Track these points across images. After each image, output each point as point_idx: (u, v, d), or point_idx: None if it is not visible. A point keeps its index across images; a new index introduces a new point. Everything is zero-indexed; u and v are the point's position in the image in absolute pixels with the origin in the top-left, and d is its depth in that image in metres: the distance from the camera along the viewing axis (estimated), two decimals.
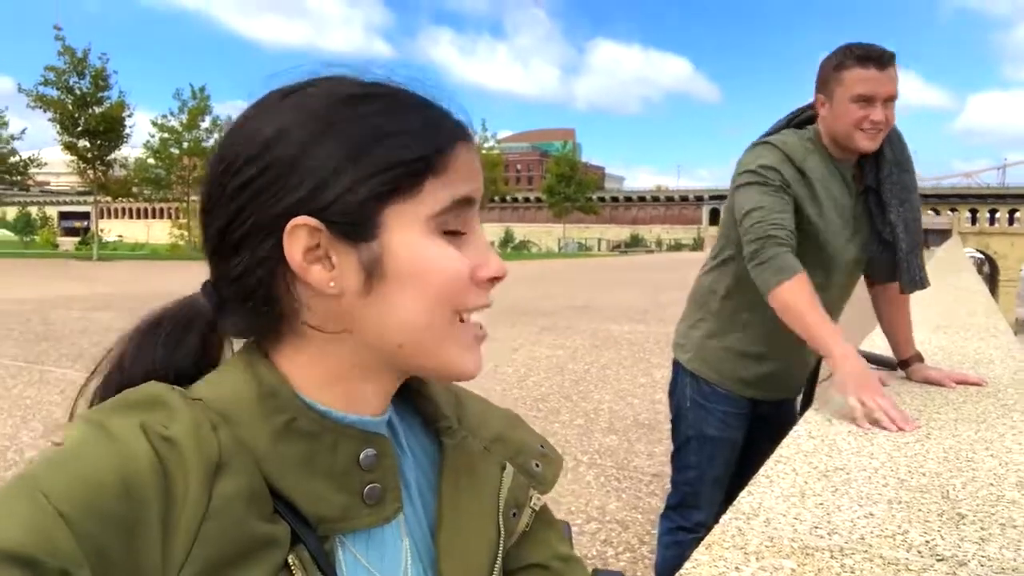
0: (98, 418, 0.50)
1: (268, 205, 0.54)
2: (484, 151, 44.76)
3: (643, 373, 6.71)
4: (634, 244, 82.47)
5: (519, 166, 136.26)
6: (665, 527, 2.20)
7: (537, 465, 0.73)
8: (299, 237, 0.54)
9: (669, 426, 2.21)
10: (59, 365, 6.45)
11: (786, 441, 1.56)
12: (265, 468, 0.53)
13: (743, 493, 1.23)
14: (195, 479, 0.48)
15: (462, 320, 0.59)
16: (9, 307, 10.29)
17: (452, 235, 0.58)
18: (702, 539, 2.04)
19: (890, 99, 1.81)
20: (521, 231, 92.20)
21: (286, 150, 0.54)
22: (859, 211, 1.96)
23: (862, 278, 2.14)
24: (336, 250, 0.55)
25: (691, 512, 2.10)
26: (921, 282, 1.97)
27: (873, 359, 2.25)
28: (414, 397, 0.70)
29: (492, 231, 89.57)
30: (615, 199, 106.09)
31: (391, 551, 0.60)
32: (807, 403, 2.34)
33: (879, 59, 1.79)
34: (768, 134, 2.02)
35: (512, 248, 79.64)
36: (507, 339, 8.39)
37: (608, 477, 3.92)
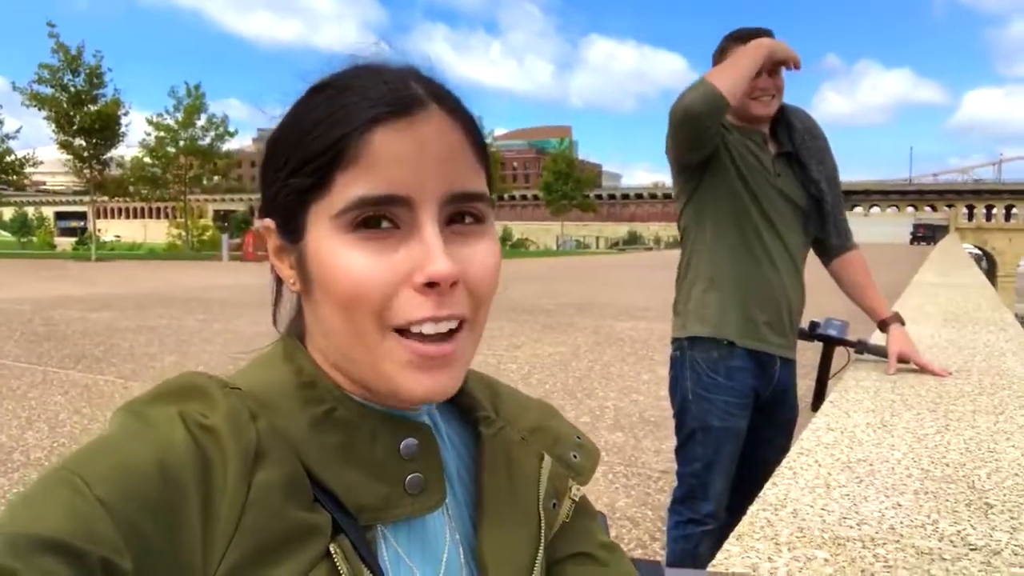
0: (137, 408, 0.50)
1: (261, 205, 0.58)
2: None
3: (647, 370, 6.71)
4: (632, 242, 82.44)
5: (516, 164, 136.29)
6: (674, 520, 2.20)
7: (575, 456, 0.72)
8: (270, 236, 0.57)
9: (674, 422, 2.21)
10: (62, 366, 6.43)
11: (805, 434, 1.56)
12: (304, 457, 0.52)
13: (768, 485, 1.23)
14: (234, 468, 0.48)
15: (401, 333, 0.52)
16: (9, 307, 10.27)
17: (381, 232, 0.51)
18: (712, 530, 2.06)
19: (775, 68, 2.02)
20: (519, 229, 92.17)
21: (266, 153, 0.57)
22: (782, 168, 2.13)
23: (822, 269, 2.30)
24: (285, 250, 0.57)
25: (700, 504, 2.11)
26: (847, 234, 2.21)
27: (874, 350, 2.27)
28: None
29: None
30: (612, 196, 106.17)
31: (432, 542, 0.59)
32: (819, 398, 2.35)
33: (756, 35, 2.03)
34: None
35: (510, 246, 79.66)
36: (509, 336, 8.39)
37: (616, 474, 3.92)
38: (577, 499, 0.70)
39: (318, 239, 0.53)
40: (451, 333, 0.53)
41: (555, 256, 43.44)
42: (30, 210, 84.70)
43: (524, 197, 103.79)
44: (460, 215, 0.54)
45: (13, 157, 29.86)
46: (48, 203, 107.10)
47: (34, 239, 57.29)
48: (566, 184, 55.12)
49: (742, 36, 2.06)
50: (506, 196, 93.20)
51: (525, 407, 0.73)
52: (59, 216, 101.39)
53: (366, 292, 0.51)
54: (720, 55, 2.10)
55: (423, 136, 0.52)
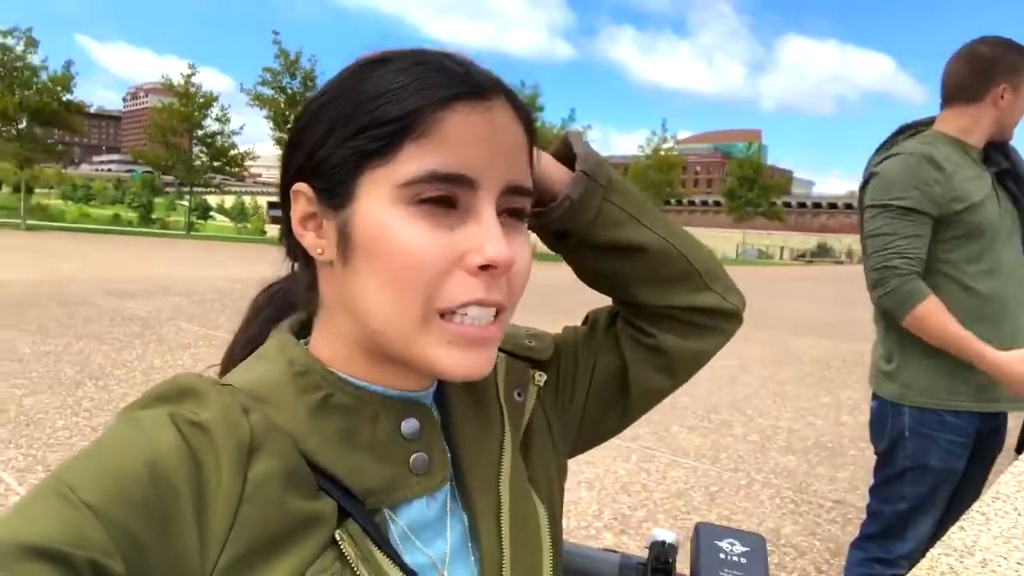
0: (128, 413, 0.51)
1: (287, 170, 0.57)
2: (662, 152, 43.87)
3: (826, 392, 6.28)
4: (821, 254, 77.36)
5: (698, 168, 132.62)
6: (858, 557, 2.04)
7: (530, 342, 0.73)
8: (299, 202, 0.56)
9: (854, 451, 2.05)
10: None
11: (1005, 477, 1.40)
12: (305, 446, 0.52)
13: (954, 528, 1.12)
14: (227, 463, 0.48)
15: (443, 317, 0.52)
16: (225, 285, 11.51)
17: (439, 209, 0.51)
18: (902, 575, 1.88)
19: None
20: (695, 236, 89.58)
21: (304, 118, 0.56)
22: (998, 190, 1.96)
23: None
24: (325, 216, 0.55)
25: (895, 544, 1.94)
26: None
27: None
28: None
29: None
30: (802, 205, 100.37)
31: (438, 521, 0.59)
32: None
33: None
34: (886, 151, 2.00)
35: None
36: None
37: (784, 499, 3.71)
38: (541, 384, 0.71)
39: (374, 206, 0.51)
40: (495, 317, 0.54)
41: (733, 265, 41.77)
42: (247, 199, 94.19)
43: (704, 203, 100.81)
44: (506, 210, 0.55)
45: (236, 151, 33.37)
46: (262, 193, 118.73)
47: (248, 225, 63.73)
48: (751, 190, 52.69)
49: None
50: (685, 200, 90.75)
51: None
52: (270, 205, 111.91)
53: (423, 267, 0.50)
54: (1009, 72, 1.86)
55: (497, 122, 0.53)
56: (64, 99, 29.62)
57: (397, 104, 0.51)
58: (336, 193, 0.53)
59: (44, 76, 29.26)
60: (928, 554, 1.03)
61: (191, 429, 0.48)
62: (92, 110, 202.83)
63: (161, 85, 34.45)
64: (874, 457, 2.05)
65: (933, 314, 1.79)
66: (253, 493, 0.48)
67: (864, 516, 2.08)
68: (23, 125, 29.40)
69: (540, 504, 0.65)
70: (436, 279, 0.51)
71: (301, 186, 0.55)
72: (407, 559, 0.55)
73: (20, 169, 30.38)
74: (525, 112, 0.57)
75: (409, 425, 0.58)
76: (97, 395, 4.80)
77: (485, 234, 0.51)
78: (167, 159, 32.98)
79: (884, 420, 1.97)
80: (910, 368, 1.91)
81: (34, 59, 29.15)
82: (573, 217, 0.67)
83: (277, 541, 0.48)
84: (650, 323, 0.73)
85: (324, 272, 0.58)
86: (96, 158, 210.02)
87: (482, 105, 0.52)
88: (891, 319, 1.90)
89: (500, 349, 0.68)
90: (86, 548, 0.40)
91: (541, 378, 0.72)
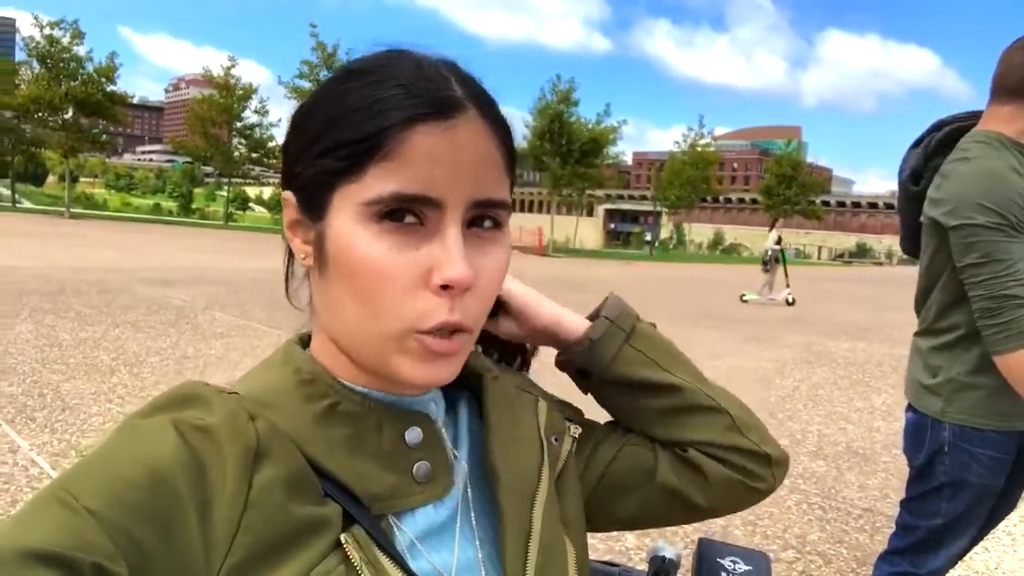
0: (132, 420, 0.51)
1: (284, 175, 0.59)
2: (699, 148, 43.39)
3: (860, 396, 6.16)
4: (861, 254, 76.03)
5: (735, 165, 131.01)
6: (885, 571, 1.98)
7: (563, 407, 0.76)
8: (287, 208, 0.58)
9: (886, 458, 1.99)
10: (295, 331, 7.20)
11: None
12: (311, 452, 0.53)
13: (977, 549, 1.08)
14: (232, 468, 0.48)
15: (415, 332, 0.53)
16: (260, 276, 11.69)
17: (407, 227, 0.52)
18: None
19: None
20: (732, 234, 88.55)
21: (292, 125, 0.58)
22: None
23: None
24: (304, 226, 0.57)
25: (926, 559, 1.87)
26: None
27: None
28: None
29: (700, 232, 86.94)
30: (842, 204, 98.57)
31: (444, 531, 0.59)
32: None
33: None
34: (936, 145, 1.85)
35: (720, 251, 76.71)
36: (709, 345, 8.09)
37: (811, 505, 3.65)
38: (577, 436, 0.73)
39: (342, 222, 0.53)
40: (455, 332, 0.54)
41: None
42: None
43: (741, 200, 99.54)
44: (481, 218, 0.55)
45: (274, 143, 33.88)
46: None
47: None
48: (789, 188, 51.88)
49: None
50: (721, 198, 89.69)
51: (507, 371, 0.76)
52: None
53: (388, 284, 0.52)
54: None
55: (460, 140, 0.52)
56: (108, 90, 30.28)
57: (362, 125, 0.52)
58: (313, 206, 0.55)
59: (89, 67, 29.95)
60: (949, 574, 0.99)
61: (195, 434, 0.49)
62: (135, 101, 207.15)
63: (202, 77, 35.09)
64: (906, 464, 1.99)
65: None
66: (258, 499, 0.48)
67: (893, 527, 2.03)
68: (69, 115, 30.14)
69: (570, 544, 0.66)
70: (402, 296, 0.52)
71: (287, 194, 0.57)
72: (413, 566, 0.54)
73: (66, 158, 31.16)
74: (499, 122, 0.56)
75: (413, 434, 0.59)
76: (131, 382, 4.91)
77: (445, 254, 0.52)
78: (206, 150, 33.61)
79: (922, 434, 1.90)
80: (958, 386, 1.84)
81: (80, 50, 29.86)
82: (592, 357, 0.73)
83: (282, 546, 0.48)
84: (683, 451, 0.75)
85: (312, 278, 0.59)
86: (139, 148, 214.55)
87: (443, 124, 0.52)
88: (983, 346, 1.72)
89: (543, 397, 0.73)
90: (89, 552, 0.41)
91: (576, 430, 0.73)
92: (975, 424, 1.79)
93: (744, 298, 13.64)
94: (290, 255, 0.63)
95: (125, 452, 0.47)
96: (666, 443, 0.74)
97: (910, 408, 1.95)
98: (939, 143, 1.87)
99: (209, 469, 0.48)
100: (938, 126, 1.92)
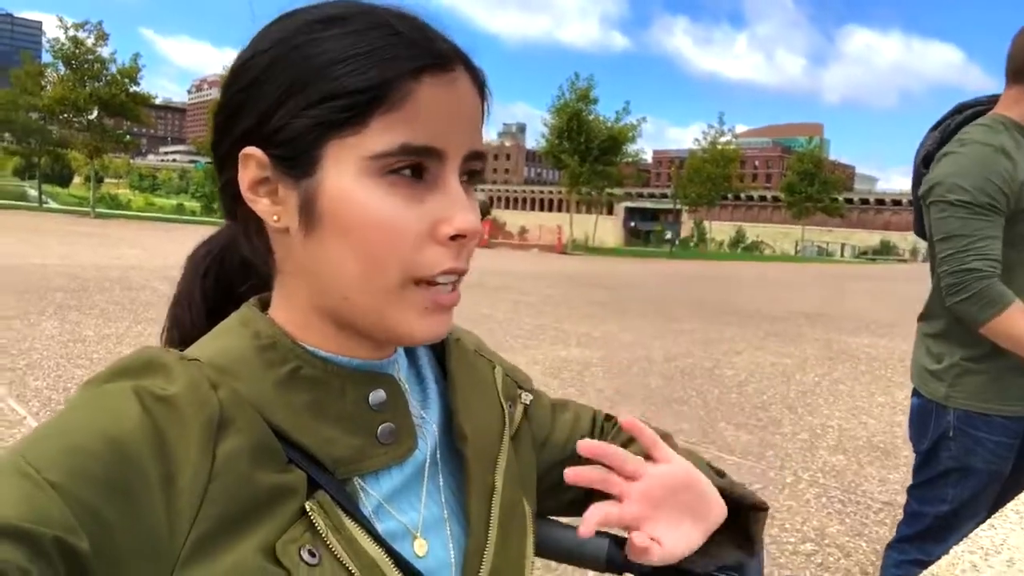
0: (92, 386, 0.49)
1: (229, 131, 0.54)
2: (719, 146, 43.01)
3: (882, 391, 6.10)
4: (884, 252, 75.04)
5: (757, 162, 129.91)
6: (894, 559, 1.97)
7: (517, 373, 0.78)
8: (248, 167, 0.53)
9: (907, 452, 1.96)
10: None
11: None
12: (273, 419, 0.52)
13: (984, 526, 1.08)
14: (196, 438, 0.47)
15: (417, 285, 0.53)
16: None
17: (408, 180, 0.51)
18: None
19: None
20: (753, 231, 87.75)
21: (247, 75, 0.53)
22: None
23: None
24: (282, 183, 0.53)
25: (934, 547, 1.85)
26: None
27: None
28: None
29: (721, 230, 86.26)
30: (865, 201, 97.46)
31: (411, 490, 0.60)
32: None
33: None
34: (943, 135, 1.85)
35: (742, 248, 76.01)
36: (729, 340, 8.05)
37: (831, 499, 3.62)
38: (528, 403, 0.75)
39: (344, 178, 0.51)
40: (456, 283, 0.56)
41: (791, 262, 40.81)
42: None
43: (763, 198, 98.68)
44: (468, 171, 0.56)
45: None
46: None
47: None
48: (811, 186, 51.33)
49: None
50: (743, 196, 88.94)
51: (464, 332, 0.77)
52: None
53: (400, 239, 0.51)
54: None
55: (460, 93, 0.53)
56: (131, 90, 30.65)
57: (363, 73, 0.50)
58: (298, 163, 0.52)
59: (113, 68, 30.33)
60: (951, 551, 0.99)
61: (157, 404, 0.47)
62: (158, 102, 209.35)
63: (223, 78, 35.34)
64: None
65: (1018, 320, 1.66)
66: (222, 469, 0.47)
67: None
68: (93, 116, 30.55)
69: (526, 503, 0.68)
70: (411, 250, 0.52)
71: (252, 150, 0.53)
72: (380, 527, 0.55)
73: (91, 159, 31.59)
74: (481, 78, 0.57)
75: (376, 396, 0.58)
76: None
77: (453, 206, 0.52)
78: None
79: (926, 419, 1.90)
80: (962, 371, 1.83)
81: (104, 52, 30.25)
82: None
83: (247, 515, 0.48)
84: None
85: (279, 239, 0.56)
86: (162, 149, 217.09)
87: (448, 76, 0.52)
88: (963, 323, 1.76)
89: (498, 362, 0.75)
90: (51, 526, 0.40)
91: (527, 397, 0.75)
92: (980, 409, 1.78)
93: None
94: (230, 217, 0.59)
95: (87, 422, 0.46)
96: None
97: (915, 393, 1.94)
98: (957, 126, 1.86)
99: (172, 441, 0.46)
100: (959, 109, 1.91)
